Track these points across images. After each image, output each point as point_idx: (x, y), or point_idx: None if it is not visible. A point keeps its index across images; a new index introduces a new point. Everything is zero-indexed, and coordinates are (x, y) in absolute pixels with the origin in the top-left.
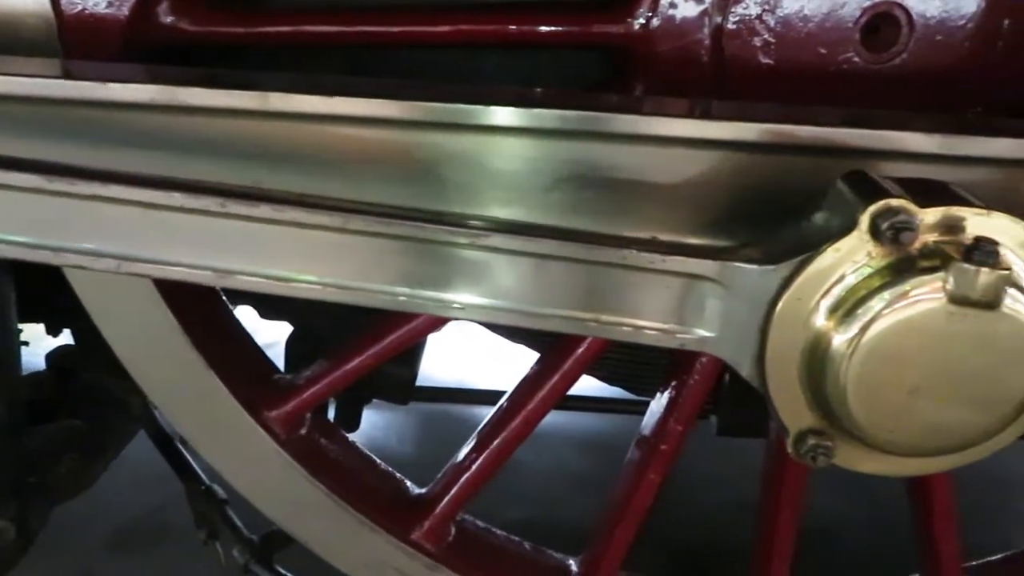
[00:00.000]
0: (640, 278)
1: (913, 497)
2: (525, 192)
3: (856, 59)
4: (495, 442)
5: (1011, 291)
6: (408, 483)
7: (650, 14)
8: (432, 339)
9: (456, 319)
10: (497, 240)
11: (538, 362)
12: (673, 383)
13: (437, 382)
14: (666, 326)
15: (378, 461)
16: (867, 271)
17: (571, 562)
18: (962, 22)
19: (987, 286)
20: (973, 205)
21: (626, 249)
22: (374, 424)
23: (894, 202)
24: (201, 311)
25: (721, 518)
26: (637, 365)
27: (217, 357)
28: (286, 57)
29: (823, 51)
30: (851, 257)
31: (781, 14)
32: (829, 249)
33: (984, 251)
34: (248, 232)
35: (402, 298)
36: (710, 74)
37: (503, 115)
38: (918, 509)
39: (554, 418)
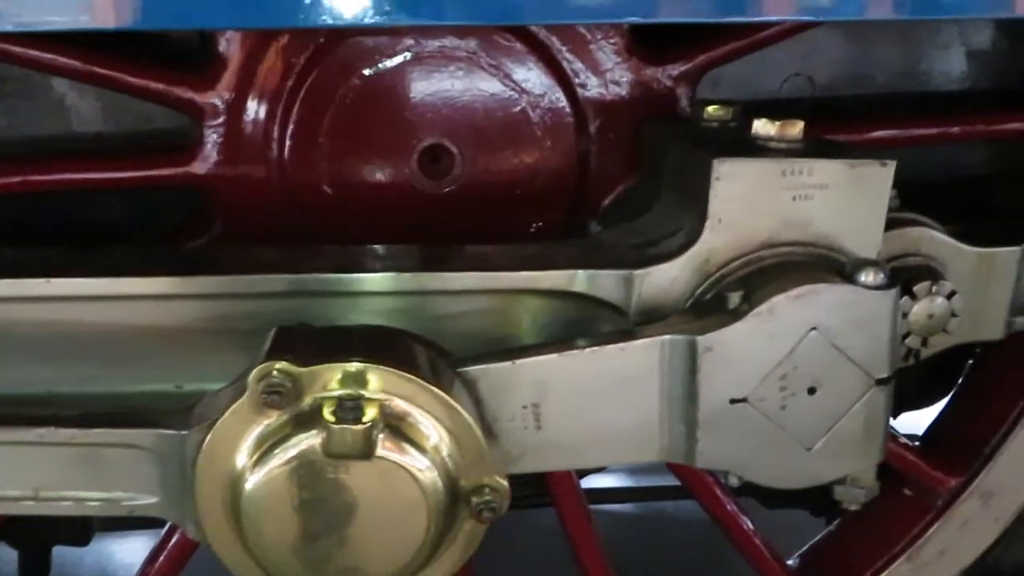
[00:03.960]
0: (69, 452)
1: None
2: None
3: (418, 186)
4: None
5: (392, 440)
6: None
7: (209, 155)
8: None
9: None
10: None
11: None
12: None
13: None
14: (110, 495)
15: None
16: (269, 429)
17: None
18: (506, 153)
19: (354, 441)
20: (366, 358)
21: (42, 427)
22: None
23: (275, 364)
24: None
25: None
26: None
27: None
28: None
29: (383, 180)
30: (253, 418)
31: (337, 146)
32: (229, 412)
33: (346, 408)
34: None
35: None
36: (282, 206)
37: None
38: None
39: None
